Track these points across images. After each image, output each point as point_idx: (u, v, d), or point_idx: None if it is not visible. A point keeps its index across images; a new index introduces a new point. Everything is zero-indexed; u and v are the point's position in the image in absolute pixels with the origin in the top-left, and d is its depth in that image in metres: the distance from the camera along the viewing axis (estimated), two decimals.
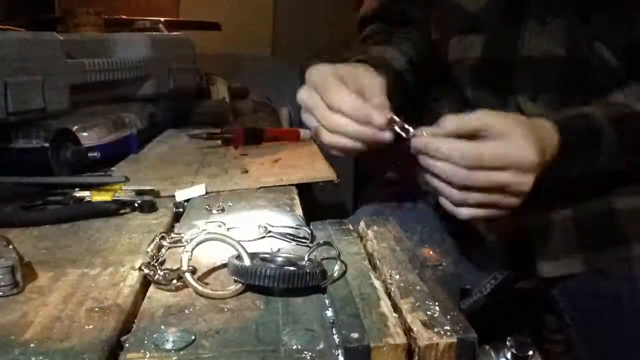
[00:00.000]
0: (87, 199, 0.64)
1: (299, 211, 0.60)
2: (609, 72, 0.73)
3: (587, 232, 0.77)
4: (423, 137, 0.55)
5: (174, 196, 0.65)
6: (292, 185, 0.73)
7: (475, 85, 0.86)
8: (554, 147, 0.61)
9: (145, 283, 0.44)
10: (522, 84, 0.80)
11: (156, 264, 0.44)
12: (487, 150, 0.55)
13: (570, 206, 0.77)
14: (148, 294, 0.42)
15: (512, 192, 0.57)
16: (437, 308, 0.37)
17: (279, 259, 0.45)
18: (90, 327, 0.36)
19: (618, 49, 0.73)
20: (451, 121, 0.56)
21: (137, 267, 0.46)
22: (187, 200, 0.65)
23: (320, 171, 0.80)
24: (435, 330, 0.34)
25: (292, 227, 0.55)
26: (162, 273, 0.43)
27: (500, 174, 0.56)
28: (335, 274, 0.42)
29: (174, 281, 0.42)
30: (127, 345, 0.34)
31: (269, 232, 0.53)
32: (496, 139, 0.56)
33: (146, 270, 0.43)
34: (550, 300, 0.80)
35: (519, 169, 0.56)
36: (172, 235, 0.52)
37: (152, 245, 0.48)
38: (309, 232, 0.53)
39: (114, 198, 0.63)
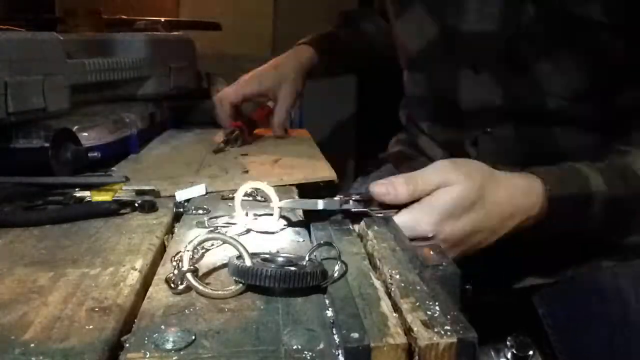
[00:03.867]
0: (87, 199, 0.64)
1: (300, 211, 0.60)
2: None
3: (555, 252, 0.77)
4: None
5: (174, 196, 0.65)
6: (293, 185, 0.73)
7: (428, 119, 0.89)
8: (531, 208, 0.62)
9: (145, 283, 0.44)
10: (471, 122, 0.81)
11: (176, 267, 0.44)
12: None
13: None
14: (148, 294, 0.41)
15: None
16: (437, 308, 0.37)
17: (280, 259, 0.44)
18: (91, 327, 0.36)
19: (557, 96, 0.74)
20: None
21: (137, 267, 0.46)
22: (187, 200, 0.65)
23: (320, 171, 0.80)
24: (436, 330, 0.34)
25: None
26: (170, 275, 0.42)
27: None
28: (336, 274, 0.42)
29: (179, 283, 0.41)
30: (127, 345, 0.34)
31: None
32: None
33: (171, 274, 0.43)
34: (530, 306, 0.81)
35: (421, 238, 0.57)
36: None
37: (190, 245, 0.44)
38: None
39: (114, 198, 0.63)
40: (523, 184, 0.63)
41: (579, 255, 0.77)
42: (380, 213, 0.57)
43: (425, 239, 0.57)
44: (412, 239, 0.57)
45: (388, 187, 0.58)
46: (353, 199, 0.58)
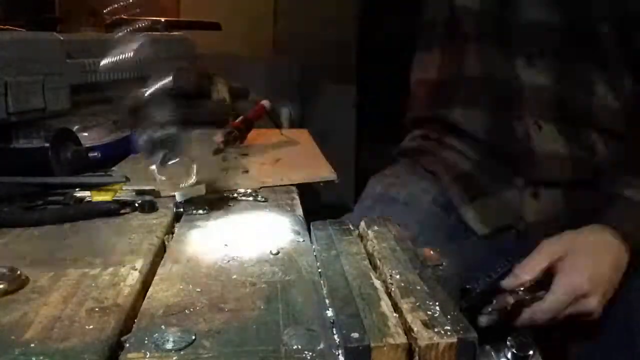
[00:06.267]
0: (88, 199, 0.64)
1: (299, 211, 0.60)
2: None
3: None
4: None
5: (174, 196, 0.65)
6: (293, 185, 0.73)
7: (467, 104, 0.88)
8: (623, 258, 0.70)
9: (145, 283, 0.44)
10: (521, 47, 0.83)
11: None
12: (551, 303, 0.66)
13: None
14: (148, 294, 0.42)
15: (586, 315, 0.67)
16: (437, 308, 0.37)
17: None
18: (91, 327, 0.36)
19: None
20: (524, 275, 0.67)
21: (137, 267, 0.46)
22: (188, 200, 0.65)
23: (320, 171, 0.80)
24: (436, 330, 0.34)
25: None
26: None
27: (568, 311, 0.66)
28: None
29: None
30: (127, 345, 0.34)
31: None
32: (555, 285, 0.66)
33: None
34: None
35: (581, 298, 0.65)
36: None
37: None
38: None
39: (114, 198, 0.63)
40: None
41: None
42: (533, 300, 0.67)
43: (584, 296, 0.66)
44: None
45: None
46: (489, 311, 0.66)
